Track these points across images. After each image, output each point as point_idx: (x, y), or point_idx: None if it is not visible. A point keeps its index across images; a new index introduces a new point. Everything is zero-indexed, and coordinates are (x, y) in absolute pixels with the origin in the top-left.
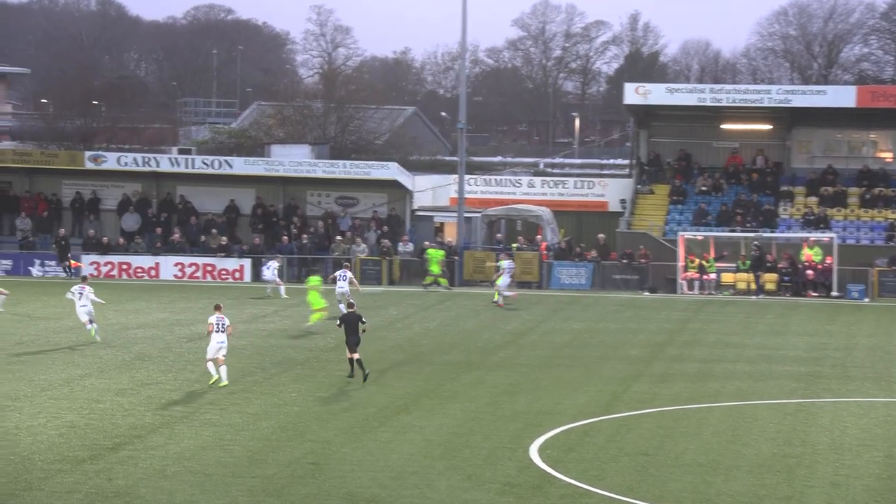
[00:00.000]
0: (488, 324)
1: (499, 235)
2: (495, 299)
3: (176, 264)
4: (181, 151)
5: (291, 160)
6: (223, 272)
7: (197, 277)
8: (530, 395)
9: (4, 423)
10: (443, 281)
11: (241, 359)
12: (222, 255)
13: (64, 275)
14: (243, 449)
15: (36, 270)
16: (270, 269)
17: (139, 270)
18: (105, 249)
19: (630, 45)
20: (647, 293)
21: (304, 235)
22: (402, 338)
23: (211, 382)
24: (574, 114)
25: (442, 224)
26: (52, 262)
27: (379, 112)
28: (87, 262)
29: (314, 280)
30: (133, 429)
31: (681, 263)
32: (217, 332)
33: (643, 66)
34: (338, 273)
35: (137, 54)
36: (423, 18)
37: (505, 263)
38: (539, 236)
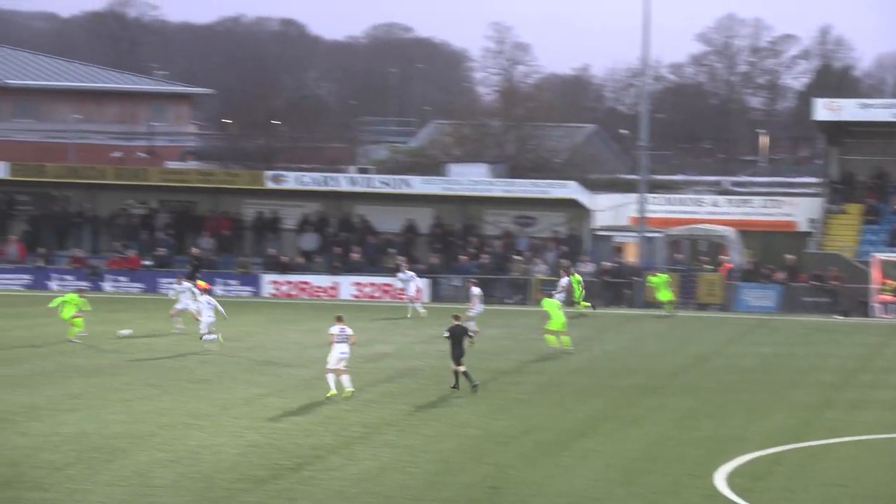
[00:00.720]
0: (671, 347)
1: (680, 256)
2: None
3: (354, 284)
4: (360, 171)
5: (469, 179)
6: (401, 291)
7: (375, 297)
8: (715, 421)
9: (188, 442)
10: (668, 308)
11: (419, 379)
12: (399, 274)
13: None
14: (422, 471)
15: (218, 290)
16: (410, 282)
17: (318, 290)
18: (284, 269)
19: (820, 59)
20: (838, 317)
21: (483, 255)
22: (581, 360)
23: (328, 395)
24: (760, 130)
25: (622, 244)
26: (235, 282)
27: (558, 130)
28: (268, 281)
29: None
30: (313, 449)
31: (875, 286)
32: (338, 342)
33: (834, 80)
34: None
35: (318, 74)
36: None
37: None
38: (723, 257)
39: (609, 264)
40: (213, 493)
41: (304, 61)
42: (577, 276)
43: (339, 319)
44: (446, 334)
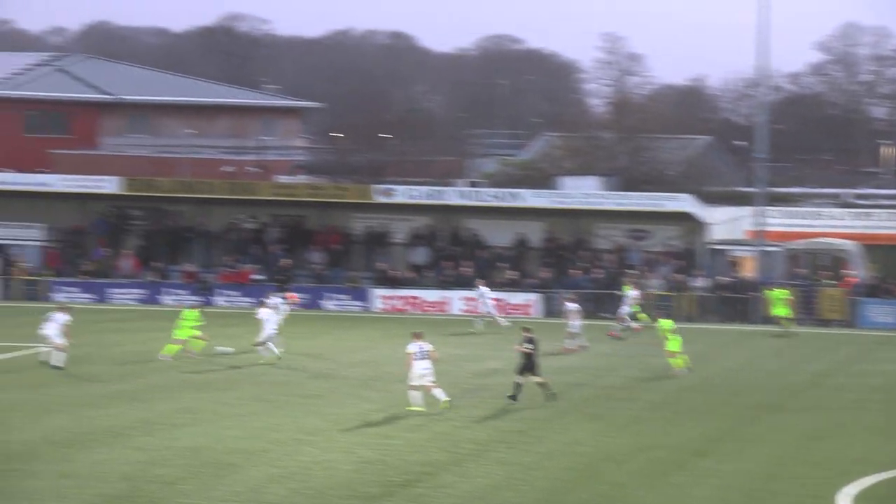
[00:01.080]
0: (790, 364)
1: (800, 270)
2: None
3: (464, 298)
4: (469, 184)
5: (581, 192)
6: (511, 307)
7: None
8: (839, 441)
9: (300, 458)
10: (786, 324)
11: (532, 396)
12: (511, 289)
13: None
14: (534, 490)
15: (329, 304)
16: (484, 298)
17: (427, 304)
18: (394, 283)
19: None
20: None
21: (598, 269)
22: (696, 378)
23: (413, 408)
24: (884, 141)
25: (738, 258)
26: (345, 296)
27: (671, 142)
28: (378, 296)
29: (666, 323)
30: (424, 466)
31: None
32: (419, 359)
33: None
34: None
35: (427, 86)
36: (718, 44)
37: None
38: (846, 271)
39: (725, 279)
40: None
41: (413, 74)
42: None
43: (418, 336)
44: (528, 346)
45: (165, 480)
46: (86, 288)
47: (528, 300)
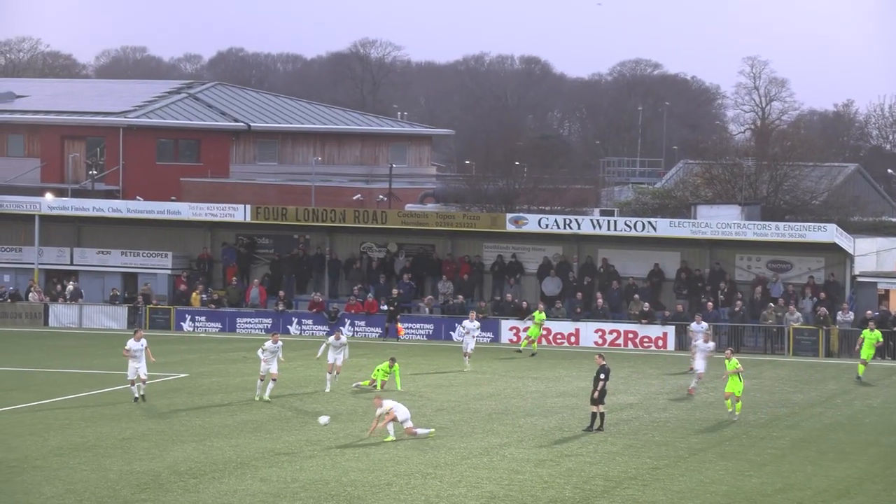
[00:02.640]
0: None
1: None
2: None
3: (597, 331)
4: (603, 213)
5: (719, 221)
6: (645, 339)
7: (618, 345)
8: None
9: (426, 492)
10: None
11: (664, 432)
12: (644, 321)
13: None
14: None
15: (456, 335)
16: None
17: (559, 336)
18: (524, 315)
19: None
20: None
21: (734, 302)
22: (841, 415)
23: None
24: None
25: (887, 291)
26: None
27: (817, 170)
28: (507, 328)
29: (732, 364)
30: (552, 502)
31: None
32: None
33: None
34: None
35: (561, 112)
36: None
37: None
38: None
39: (872, 313)
40: None
41: (546, 100)
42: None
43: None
44: (602, 375)
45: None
46: (213, 317)
47: (662, 333)
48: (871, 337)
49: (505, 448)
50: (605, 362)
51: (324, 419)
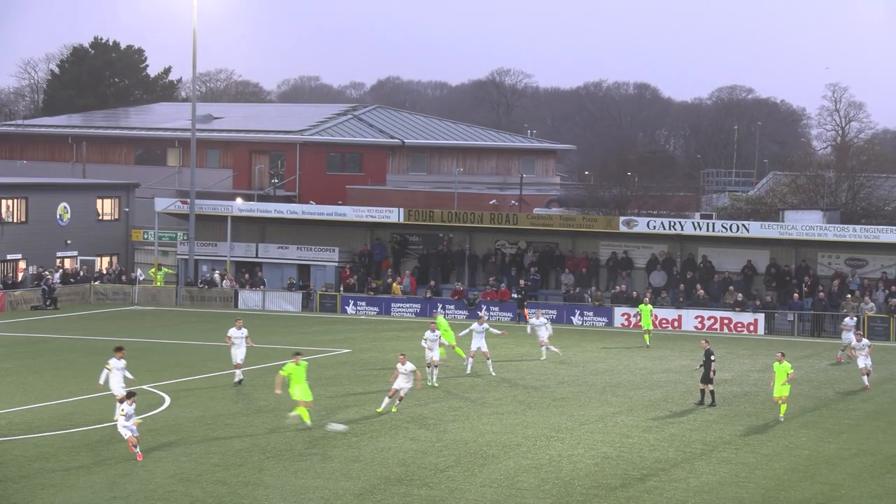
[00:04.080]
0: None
1: None
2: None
3: (696, 317)
4: (703, 216)
5: (804, 224)
6: (738, 325)
7: (714, 329)
8: None
9: (549, 452)
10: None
11: (755, 404)
12: (738, 309)
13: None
14: (757, 487)
15: (576, 319)
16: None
17: (664, 321)
18: (634, 303)
19: None
20: None
21: (820, 292)
22: None
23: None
24: None
25: None
26: (591, 313)
27: (889, 180)
28: (619, 314)
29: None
30: (658, 462)
31: None
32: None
33: None
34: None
35: (667, 131)
36: None
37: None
38: None
39: None
40: (571, 498)
41: (655, 120)
42: None
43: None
44: (700, 363)
45: (436, 467)
46: (371, 303)
47: (753, 319)
48: None
49: (617, 416)
50: (709, 346)
51: (337, 427)
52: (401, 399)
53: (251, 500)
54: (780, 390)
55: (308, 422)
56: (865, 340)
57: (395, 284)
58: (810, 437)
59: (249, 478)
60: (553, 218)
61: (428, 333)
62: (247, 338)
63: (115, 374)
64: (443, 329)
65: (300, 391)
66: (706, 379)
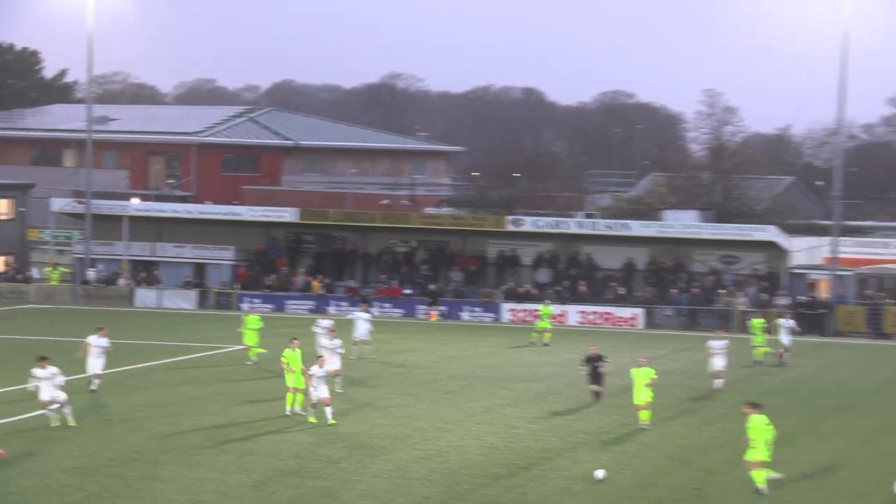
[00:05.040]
0: (859, 372)
1: (868, 292)
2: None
3: (580, 312)
4: (587, 216)
5: (681, 223)
6: (619, 320)
7: (597, 323)
8: None
9: (438, 443)
10: (758, 353)
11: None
12: (619, 304)
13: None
14: (635, 473)
15: (465, 315)
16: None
17: (549, 316)
18: (521, 298)
19: None
20: None
21: (693, 289)
22: (778, 382)
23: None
24: None
25: (816, 281)
26: (479, 309)
27: (760, 181)
28: (507, 309)
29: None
30: (542, 452)
31: None
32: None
33: None
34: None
35: (552, 134)
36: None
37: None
38: None
39: (804, 298)
40: (459, 487)
41: (541, 123)
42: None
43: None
44: (583, 367)
45: (329, 459)
46: (267, 299)
47: (633, 314)
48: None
49: (504, 408)
50: (598, 352)
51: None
52: (319, 406)
53: (146, 493)
54: (640, 397)
55: (288, 407)
56: (724, 342)
57: (315, 283)
58: (686, 425)
59: (144, 472)
60: (443, 217)
61: (324, 341)
62: (108, 347)
63: (44, 385)
64: (251, 326)
65: (293, 379)
66: (596, 381)
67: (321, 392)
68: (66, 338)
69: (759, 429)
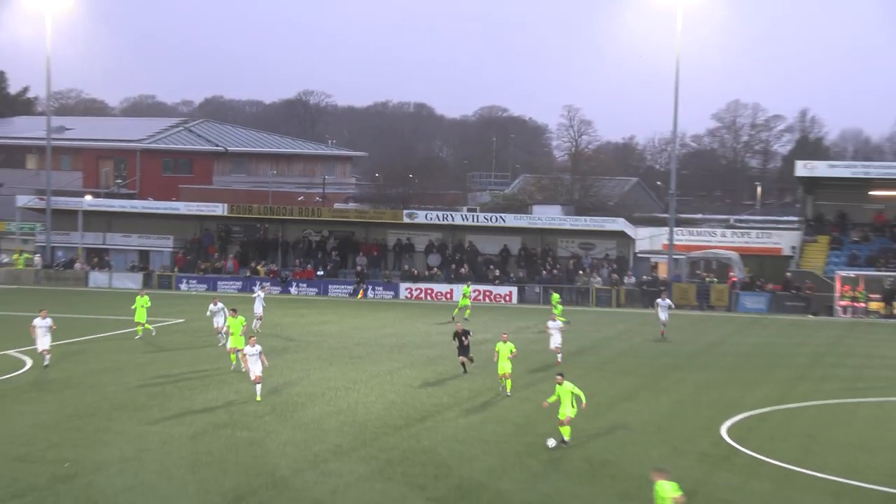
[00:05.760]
0: (690, 337)
1: (698, 272)
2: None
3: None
4: (469, 210)
5: (547, 216)
6: (497, 296)
7: (478, 300)
8: (721, 391)
9: (348, 399)
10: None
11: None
12: (497, 283)
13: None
14: (511, 422)
15: (369, 293)
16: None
17: (439, 294)
18: (416, 279)
19: (800, 133)
20: (811, 316)
21: (556, 270)
22: (625, 346)
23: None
24: (756, 183)
25: (656, 263)
26: (380, 288)
27: (611, 181)
28: (404, 288)
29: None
30: (434, 406)
31: (837, 294)
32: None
33: (810, 148)
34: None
35: (441, 141)
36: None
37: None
38: (730, 273)
39: (647, 277)
40: (365, 435)
41: (431, 133)
42: (556, 296)
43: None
44: (455, 340)
45: (255, 414)
46: (201, 280)
47: (509, 291)
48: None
49: (402, 370)
50: (465, 328)
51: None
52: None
53: (101, 443)
54: (503, 367)
55: (234, 363)
56: (558, 322)
57: (259, 267)
58: (552, 383)
59: (99, 425)
60: (350, 211)
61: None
62: (52, 326)
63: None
64: (141, 305)
65: (234, 341)
66: (463, 353)
67: (254, 370)
68: (29, 313)
69: (566, 392)
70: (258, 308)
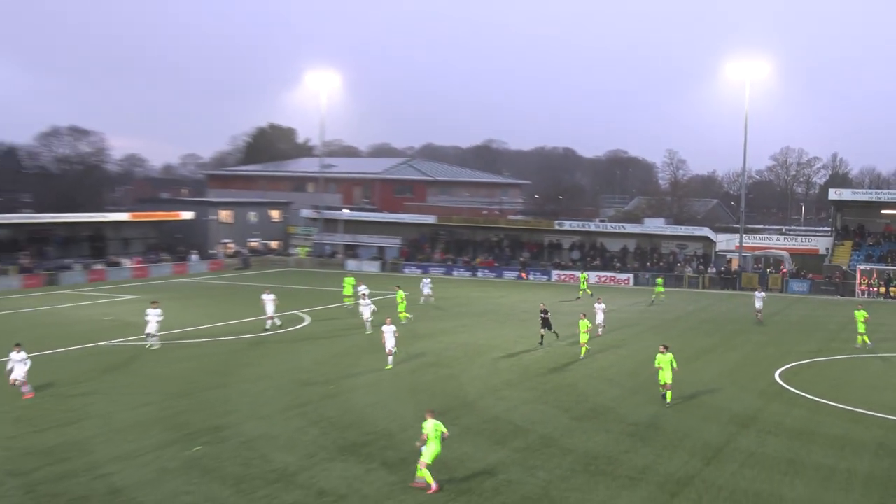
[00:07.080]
0: (753, 311)
1: (759, 265)
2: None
3: (596, 276)
4: (600, 221)
5: (654, 225)
6: (619, 280)
7: (606, 283)
8: (776, 347)
9: (516, 348)
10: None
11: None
12: (618, 271)
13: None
14: (628, 369)
15: (530, 277)
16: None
17: (577, 279)
18: (562, 268)
19: (832, 169)
20: (839, 297)
21: (660, 263)
22: (707, 316)
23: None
24: (801, 204)
25: (731, 259)
26: (538, 273)
27: (699, 202)
28: (554, 274)
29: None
30: (574, 355)
31: (858, 282)
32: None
33: (839, 179)
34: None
35: (580, 173)
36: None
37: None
38: (782, 266)
39: (723, 269)
40: (528, 373)
41: (573, 167)
42: (660, 280)
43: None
44: (543, 314)
45: (454, 357)
46: (418, 266)
47: (627, 277)
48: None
49: (535, 336)
50: (545, 307)
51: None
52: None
53: (353, 374)
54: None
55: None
56: (603, 305)
57: (445, 256)
58: (635, 346)
59: (353, 362)
60: (518, 221)
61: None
62: (274, 300)
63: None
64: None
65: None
66: (546, 326)
67: (388, 344)
68: (308, 286)
69: (666, 361)
70: (426, 290)
